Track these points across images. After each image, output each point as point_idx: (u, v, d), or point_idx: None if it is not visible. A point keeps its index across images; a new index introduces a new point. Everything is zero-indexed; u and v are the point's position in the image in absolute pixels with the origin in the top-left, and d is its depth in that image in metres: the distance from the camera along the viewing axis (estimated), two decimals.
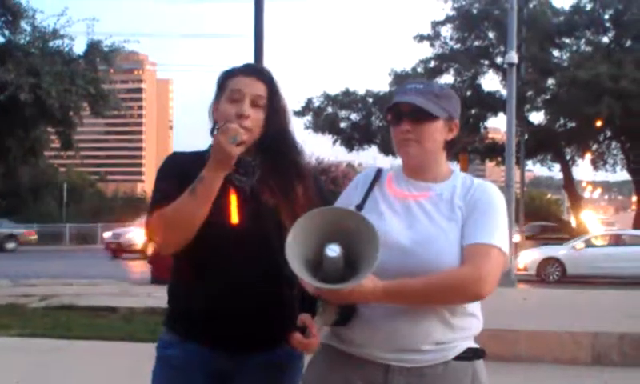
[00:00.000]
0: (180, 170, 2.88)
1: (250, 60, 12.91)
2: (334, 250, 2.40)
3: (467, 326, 2.70)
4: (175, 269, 3.04)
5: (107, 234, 41.23)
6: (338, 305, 2.57)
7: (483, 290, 2.57)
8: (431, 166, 2.79)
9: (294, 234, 2.45)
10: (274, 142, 2.93)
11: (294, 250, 2.43)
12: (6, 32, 20.08)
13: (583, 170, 59.15)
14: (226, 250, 2.86)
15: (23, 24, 19.95)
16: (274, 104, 2.94)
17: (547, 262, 26.53)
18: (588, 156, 49.37)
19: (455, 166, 2.86)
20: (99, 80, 20.31)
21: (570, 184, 49.38)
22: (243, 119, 2.86)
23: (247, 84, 2.94)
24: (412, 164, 2.80)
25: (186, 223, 2.81)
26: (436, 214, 2.69)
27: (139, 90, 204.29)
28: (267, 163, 2.94)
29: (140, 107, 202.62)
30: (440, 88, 2.86)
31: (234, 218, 2.88)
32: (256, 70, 3.03)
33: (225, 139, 2.72)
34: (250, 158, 2.93)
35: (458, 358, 2.66)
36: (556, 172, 52.18)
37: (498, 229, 2.66)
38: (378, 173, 2.91)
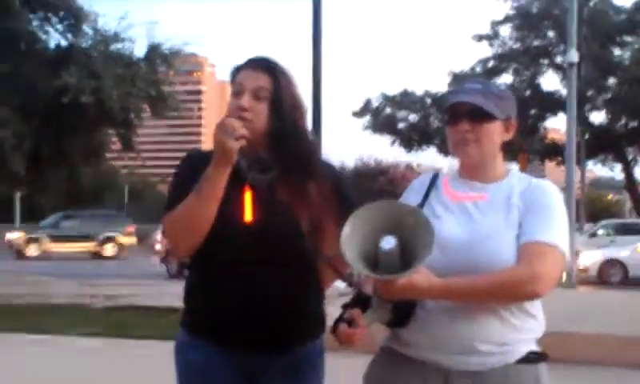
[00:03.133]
0: (196, 170, 2.84)
1: (309, 61, 12.97)
2: (389, 242, 2.40)
3: (528, 327, 2.67)
4: (192, 267, 3.03)
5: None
6: (392, 303, 2.57)
7: (539, 289, 2.54)
8: (488, 166, 2.78)
9: (352, 223, 2.45)
10: (284, 135, 2.88)
11: (350, 241, 2.43)
12: (69, 36, 20.38)
13: None
14: (241, 248, 2.84)
15: (85, 28, 20.22)
16: (278, 95, 2.88)
17: (608, 263, 26.10)
18: None
19: (514, 166, 2.83)
20: (159, 82, 20.50)
21: (631, 185, 48.60)
22: (242, 111, 2.84)
23: (249, 77, 2.91)
24: (469, 164, 2.78)
25: (194, 224, 2.80)
26: (492, 213, 2.67)
27: (199, 92, 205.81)
28: (280, 159, 2.90)
29: (200, 109, 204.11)
30: (498, 88, 2.85)
31: (248, 216, 2.85)
32: (260, 62, 2.97)
33: (222, 134, 2.71)
34: (266, 154, 2.90)
35: (521, 361, 2.64)
36: (617, 172, 51.39)
37: (557, 227, 2.63)
38: (434, 177, 2.89)
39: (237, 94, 2.91)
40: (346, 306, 2.65)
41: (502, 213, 2.67)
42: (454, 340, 2.61)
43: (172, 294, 12.60)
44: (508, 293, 2.56)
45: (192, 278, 3.05)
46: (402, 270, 2.40)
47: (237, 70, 2.97)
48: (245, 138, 2.74)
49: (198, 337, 2.98)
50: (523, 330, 2.67)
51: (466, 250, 2.60)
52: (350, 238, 2.44)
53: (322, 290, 3.03)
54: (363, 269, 2.42)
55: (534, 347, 2.71)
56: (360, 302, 2.63)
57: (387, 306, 2.58)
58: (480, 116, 2.70)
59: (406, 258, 2.42)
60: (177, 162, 3.17)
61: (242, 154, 2.81)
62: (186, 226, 2.82)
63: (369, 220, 2.47)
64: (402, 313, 2.61)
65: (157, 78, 20.30)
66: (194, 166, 2.88)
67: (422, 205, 2.79)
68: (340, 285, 2.84)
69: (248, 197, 2.87)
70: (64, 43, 20.54)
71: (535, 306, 2.70)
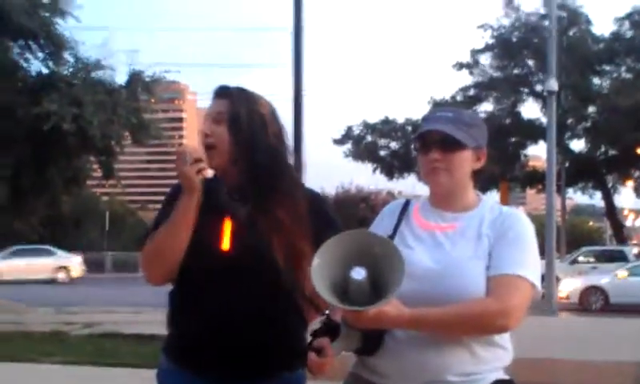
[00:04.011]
0: (176, 201, 2.90)
1: (290, 90, 13.00)
2: (359, 273, 2.40)
3: (495, 357, 2.68)
4: (171, 294, 3.05)
5: None
6: (361, 332, 2.57)
7: (509, 323, 2.56)
8: (459, 195, 2.78)
9: (322, 254, 2.45)
10: (245, 151, 2.93)
11: (320, 271, 2.43)
12: (50, 63, 20.36)
13: (625, 197, 58.61)
14: (218, 277, 2.86)
15: (66, 55, 20.21)
16: (234, 115, 2.94)
17: (589, 290, 26.15)
18: (630, 183, 48.88)
19: (488, 195, 2.83)
20: (140, 109, 20.49)
21: (611, 212, 48.90)
22: (204, 138, 2.94)
23: (212, 105, 3.01)
24: (440, 193, 2.79)
25: (164, 252, 2.86)
26: (463, 244, 2.67)
27: (180, 120, 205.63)
28: (254, 186, 2.93)
29: (181, 136, 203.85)
30: (469, 116, 2.85)
31: (226, 245, 2.88)
32: (218, 90, 3.06)
33: (178, 162, 2.79)
34: (245, 182, 2.93)
35: None
36: (597, 200, 51.70)
37: (528, 259, 2.64)
38: (405, 205, 2.88)
39: (204, 124, 3.00)
40: (315, 334, 2.65)
41: (472, 243, 2.67)
42: (422, 371, 2.60)
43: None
44: (477, 326, 2.57)
45: (172, 305, 3.07)
46: (372, 300, 2.40)
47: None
48: (201, 160, 2.81)
49: (176, 363, 2.99)
50: (491, 360, 2.67)
51: (436, 281, 2.59)
52: (320, 268, 2.44)
53: (303, 321, 3.00)
54: (333, 299, 2.41)
55: (502, 375, 2.71)
56: (329, 329, 2.63)
57: (356, 334, 2.58)
58: (451, 145, 2.70)
59: (377, 287, 2.42)
60: (157, 189, 3.19)
61: (224, 184, 2.89)
62: (157, 254, 2.89)
63: (339, 250, 2.46)
64: (371, 341, 2.61)
65: (138, 106, 20.29)
66: (176, 197, 2.92)
67: (393, 234, 2.78)
68: None
69: (227, 226, 2.89)
70: (45, 71, 20.52)
71: (504, 338, 2.71)
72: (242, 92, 3.03)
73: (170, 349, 3.05)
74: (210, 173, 2.84)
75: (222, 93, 3.03)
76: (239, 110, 2.95)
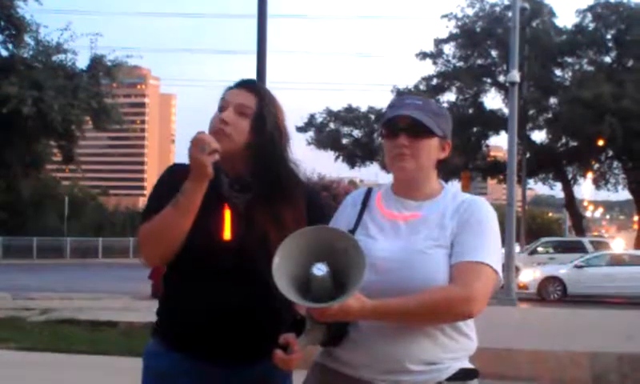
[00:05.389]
0: (175, 183, 2.88)
1: (253, 75, 12.97)
2: (320, 269, 2.40)
3: (459, 346, 2.67)
4: (166, 280, 3.06)
5: None
6: (326, 324, 2.56)
7: (473, 309, 2.55)
8: (422, 183, 2.77)
9: (282, 252, 2.45)
10: (262, 154, 2.93)
11: (282, 269, 2.43)
12: (10, 46, 20.20)
13: (585, 189, 59.38)
14: (214, 264, 2.88)
15: (27, 38, 20.08)
16: (261, 114, 2.93)
17: (548, 280, 26.39)
18: (589, 175, 49.43)
19: (454, 184, 2.81)
20: (102, 94, 20.44)
21: (571, 203, 49.38)
22: (223, 124, 2.90)
23: (235, 94, 2.97)
24: (404, 180, 2.77)
25: (167, 235, 2.85)
26: (426, 233, 2.66)
27: (142, 105, 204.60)
28: (258, 178, 2.94)
29: (143, 121, 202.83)
30: (437, 106, 2.84)
31: (227, 234, 2.90)
32: (247, 83, 3.06)
33: (195, 149, 2.76)
34: (247, 171, 2.95)
35: (451, 378, 2.62)
36: (557, 191, 52.29)
37: (490, 246, 2.63)
38: (367, 194, 2.88)
39: (221, 109, 2.96)
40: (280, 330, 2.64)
41: (435, 231, 2.66)
42: (385, 360, 2.60)
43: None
44: (441, 313, 2.56)
45: (167, 290, 3.08)
46: (335, 295, 2.40)
47: (227, 90, 3.03)
48: (217, 151, 2.78)
49: (166, 346, 3.01)
50: (455, 349, 2.66)
51: (399, 270, 2.58)
52: (281, 266, 2.44)
53: (294, 311, 3.01)
54: (296, 297, 2.42)
55: (466, 364, 2.71)
56: (295, 324, 2.61)
57: (321, 327, 2.57)
58: (419, 131, 2.69)
59: (340, 281, 2.42)
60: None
61: (225, 172, 2.89)
62: (159, 236, 2.87)
63: (298, 247, 2.46)
64: (336, 333, 2.60)
65: (99, 90, 20.21)
66: (173, 179, 2.92)
67: (356, 224, 2.78)
68: None
69: (227, 215, 2.91)
70: (4, 53, 20.34)
71: (468, 325, 2.70)
72: (269, 94, 3.04)
73: (161, 332, 3.06)
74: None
75: (250, 86, 3.02)
76: (266, 113, 2.96)
